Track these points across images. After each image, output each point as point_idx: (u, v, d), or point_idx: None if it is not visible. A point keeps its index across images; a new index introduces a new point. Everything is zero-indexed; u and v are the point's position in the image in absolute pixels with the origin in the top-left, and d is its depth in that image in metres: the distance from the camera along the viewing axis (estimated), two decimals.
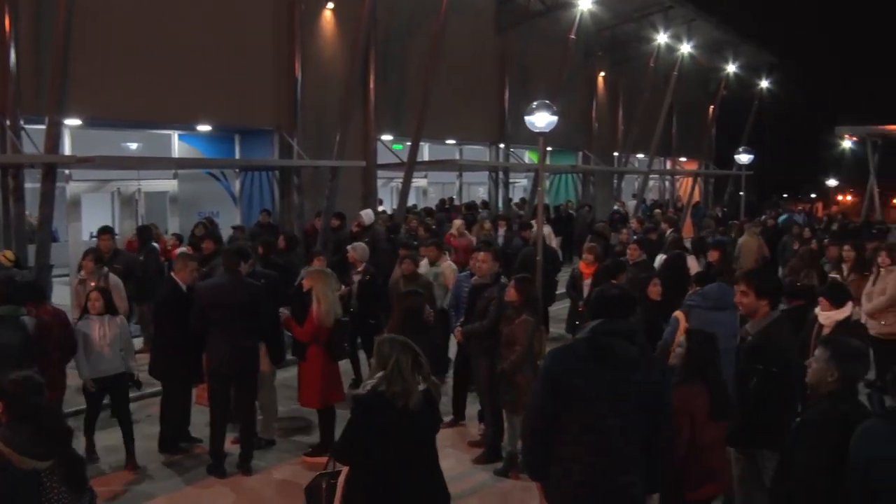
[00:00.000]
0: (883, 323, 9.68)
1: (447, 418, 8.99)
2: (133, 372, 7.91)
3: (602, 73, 30.93)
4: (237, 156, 18.65)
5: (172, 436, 8.15)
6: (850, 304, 6.58)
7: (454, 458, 7.97)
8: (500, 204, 25.18)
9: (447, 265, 10.59)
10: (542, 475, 4.32)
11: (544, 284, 12.11)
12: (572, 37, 24.00)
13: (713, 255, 11.02)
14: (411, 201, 22.72)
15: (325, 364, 7.69)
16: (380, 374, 4.53)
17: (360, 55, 18.50)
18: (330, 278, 7.89)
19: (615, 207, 26.79)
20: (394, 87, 20.41)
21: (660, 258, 11.72)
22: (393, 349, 4.58)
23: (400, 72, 20.52)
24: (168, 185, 17.41)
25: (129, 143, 17.79)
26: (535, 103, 12.05)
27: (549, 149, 25.88)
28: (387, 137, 20.87)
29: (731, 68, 34.80)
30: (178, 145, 17.84)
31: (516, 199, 26.81)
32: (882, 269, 9.95)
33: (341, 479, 4.64)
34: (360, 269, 10.22)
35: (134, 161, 16.88)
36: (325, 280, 7.75)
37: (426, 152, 24.29)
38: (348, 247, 10.86)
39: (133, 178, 16.86)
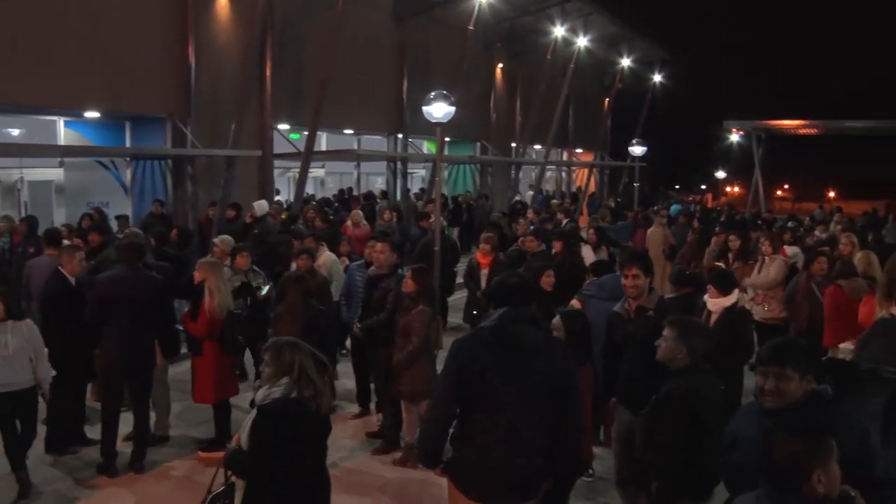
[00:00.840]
0: (766, 308, 10.11)
1: (354, 410, 8.95)
2: (43, 384, 6.99)
3: (500, 65, 31.20)
4: (128, 144, 18.04)
5: (59, 436, 7.80)
6: (736, 291, 6.82)
7: (353, 450, 7.93)
8: (399, 194, 25.16)
9: (326, 257, 10.32)
10: (437, 462, 4.40)
11: (443, 275, 12.16)
12: (471, 28, 24.14)
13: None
14: (309, 191, 22.47)
15: (219, 358, 7.52)
16: (284, 380, 4.30)
17: (256, 42, 18.16)
18: (222, 270, 7.70)
19: (516, 198, 27.10)
20: (291, 76, 20.10)
21: None
22: (294, 353, 4.36)
23: (297, 60, 20.22)
24: (54, 173, 16.72)
25: (10, 130, 16.99)
26: (432, 94, 12.04)
27: (447, 139, 26.07)
28: (284, 127, 20.56)
29: (626, 62, 35.61)
30: (63, 132, 17.15)
31: (415, 190, 26.82)
32: (766, 258, 10.39)
33: (238, 498, 4.43)
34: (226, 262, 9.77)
35: (15, 148, 16.11)
36: (217, 272, 7.56)
37: (324, 142, 24.05)
38: (214, 239, 10.65)
39: (15, 167, 16.12)
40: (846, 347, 8.02)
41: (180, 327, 8.21)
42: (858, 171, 71.12)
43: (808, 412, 3.58)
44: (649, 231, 15.85)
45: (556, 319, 5.40)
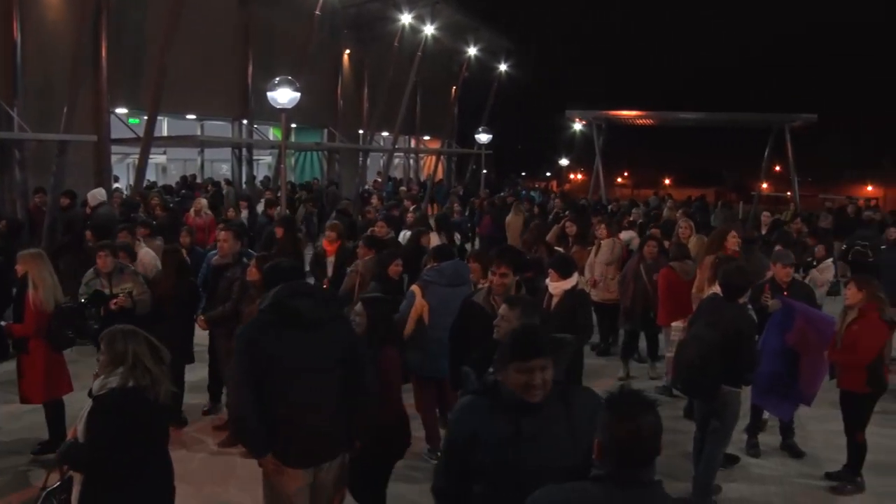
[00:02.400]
0: (602, 288, 10.62)
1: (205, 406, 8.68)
2: None
3: (348, 51, 30.98)
4: None
5: None
6: (575, 275, 7.04)
7: (201, 443, 7.70)
8: (245, 181, 24.57)
9: (144, 252, 9.80)
10: (266, 448, 4.56)
11: None
12: (317, 13, 23.82)
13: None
14: (150, 179, 21.62)
15: (47, 354, 7.08)
16: (119, 369, 4.20)
17: (89, 20, 17.22)
18: (46, 261, 7.23)
19: (366, 186, 27.02)
20: (129, 57, 19.19)
21: (404, 235, 11.94)
22: (127, 341, 4.26)
23: (135, 40, 19.33)
24: None
25: None
26: (277, 79, 11.85)
27: (293, 126, 25.69)
28: (121, 111, 19.65)
29: (472, 51, 36.10)
30: None
31: (261, 177, 26.30)
32: (602, 242, 10.85)
33: (76, 492, 4.24)
34: None
35: None
36: (40, 263, 7.11)
37: (165, 127, 23.17)
38: None
39: None
40: (677, 326, 8.49)
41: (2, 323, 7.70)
42: (692, 159, 75.15)
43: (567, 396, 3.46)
44: (508, 218, 16.20)
45: (358, 305, 5.42)
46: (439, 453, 6.94)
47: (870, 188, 68.04)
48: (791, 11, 73.88)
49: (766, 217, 14.34)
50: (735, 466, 7.34)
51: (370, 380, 4.80)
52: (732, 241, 8.66)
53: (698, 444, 6.61)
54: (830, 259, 10.47)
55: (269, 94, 11.91)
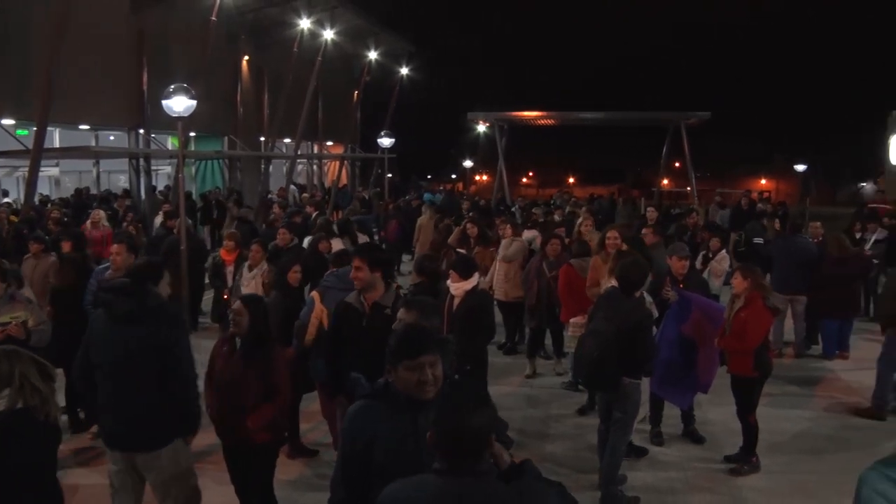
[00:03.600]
0: (506, 286, 10.72)
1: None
2: None
3: (247, 58, 30.57)
4: None
5: None
6: (476, 275, 7.09)
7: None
8: (143, 192, 23.93)
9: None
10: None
11: (191, 274, 11.74)
12: (213, 18, 23.40)
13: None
14: (43, 192, 20.86)
15: None
16: (6, 391, 3.97)
17: None
18: None
19: (269, 195, 26.67)
20: (15, 66, 18.44)
21: (307, 241, 11.83)
22: (12, 362, 4.03)
23: (22, 48, 18.60)
24: None
25: None
26: (172, 86, 11.59)
27: (192, 134, 25.16)
28: (8, 122, 18.89)
29: (373, 55, 36.05)
30: None
31: (160, 187, 25.67)
32: (505, 241, 10.98)
33: None
34: None
35: None
36: None
37: (57, 138, 22.39)
38: None
39: None
40: (576, 322, 8.65)
41: None
42: (595, 158, 76.79)
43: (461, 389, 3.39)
44: (420, 220, 16.33)
45: (237, 303, 5.39)
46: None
47: (763, 181, 70.82)
48: (686, 11, 76.27)
49: (651, 212, 14.72)
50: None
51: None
52: (612, 241, 8.79)
53: (602, 435, 6.75)
54: (724, 250, 10.85)
55: (165, 103, 11.62)
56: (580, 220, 10.79)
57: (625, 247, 8.62)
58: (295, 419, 7.51)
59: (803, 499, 6.77)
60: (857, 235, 13.13)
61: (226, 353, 5.42)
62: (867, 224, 13.60)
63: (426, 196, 26.52)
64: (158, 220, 15.24)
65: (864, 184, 52.26)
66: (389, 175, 25.96)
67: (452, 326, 6.71)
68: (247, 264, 9.42)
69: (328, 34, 29.99)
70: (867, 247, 12.75)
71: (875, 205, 20.99)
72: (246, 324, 5.30)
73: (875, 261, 12.38)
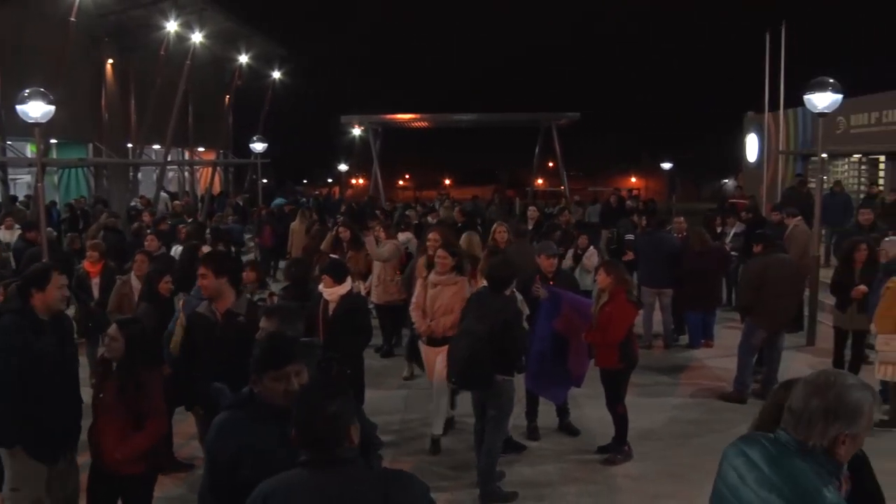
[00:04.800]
0: (383, 290, 10.77)
1: None
2: None
3: (111, 61, 29.49)
4: None
5: None
6: (349, 279, 7.05)
7: None
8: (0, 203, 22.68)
9: None
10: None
11: None
12: (72, 19, 22.46)
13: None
14: None
15: None
16: None
17: None
18: None
19: (132, 202, 25.74)
20: None
21: (176, 249, 11.50)
22: None
23: None
24: None
25: None
26: (27, 91, 11.07)
27: (54, 141, 24.08)
28: None
29: (245, 59, 35.39)
30: None
31: (21, 197, 24.41)
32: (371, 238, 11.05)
33: None
34: None
35: None
36: None
37: None
38: None
39: None
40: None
41: None
42: (470, 159, 77.80)
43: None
44: (292, 226, 16.30)
45: (113, 328, 5.17)
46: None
47: (633, 179, 73.45)
48: (558, 15, 78.31)
49: (532, 212, 15.00)
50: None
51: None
52: (500, 234, 8.94)
53: (479, 434, 6.82)
54: (592, 247, 11.17)
55: (19, 108, 11.07)
56: (495, 225, 10.82)
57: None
58: (168, 434, 7.28)
59: (673, 482, 7.03)
60: (718, 230, 13.72)
61: (100, 373, 5.20)
62: (727, 219, 14.25)
63: (276, 200, 26.25)
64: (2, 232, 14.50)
65: (726, 181, 54.78)
66: (265, 181, 25.55)
67: (328, 331, 6.67)
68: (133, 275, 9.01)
69: (197, 37, 29.24)
70: (727, 240, 13.35)
71: (734, 200, 22.00)
72: (121, 349, 5.04)
73: (734, 253, 12.99)
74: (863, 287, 8.99)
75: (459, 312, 6.99)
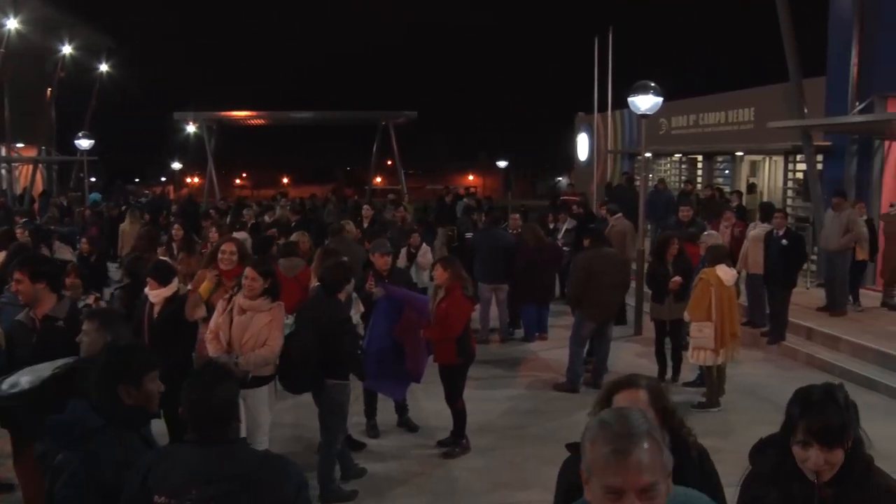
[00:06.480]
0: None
1: None
2: None
3: None
4: None
5: None
6: (175, 281, 6.76)
7: None
8: None
9: None
10: None
11: None
12: None
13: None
14: None
15: None
16: None
17: None
18: None
19: None
20: None
21: None
22: None
23: None
24: None
25: None
26: None
27: None
28: None
29: (68, 49, 33.51)
30: None
31: None
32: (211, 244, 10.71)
33: None
34: None
35: None
36: None
37: None
38: None
39: None
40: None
41: None
42: (309, 158, 77.06)
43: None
44: (122, 227, 15.91)
45: None
46: None
47: (471, 177, 74.90)
48: (397, 13, 78.69)
49: (367, 210, 15.01)
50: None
51: None
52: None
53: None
54: (424, 244, 11.32)
55: None
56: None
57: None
58: None
59: (512, 472, 7.21)
60: (551, 226, 14.16)
61: None
62: (559, 215, 14.74)
63: (92, 196, 25.21)
64: None
65: (560, 178, 56.79)
66: (94, 179, 24.31)
67: (152, 334, 6.41)
68: None
69: (12, 23, 27.41)
70: (560, 236, 13.81)
71: (567, 197, 22.81)
72: None
73: (566, 248, 13.46)
74: (678, 278, 9.55)
75: (278, 347, 6.15)
